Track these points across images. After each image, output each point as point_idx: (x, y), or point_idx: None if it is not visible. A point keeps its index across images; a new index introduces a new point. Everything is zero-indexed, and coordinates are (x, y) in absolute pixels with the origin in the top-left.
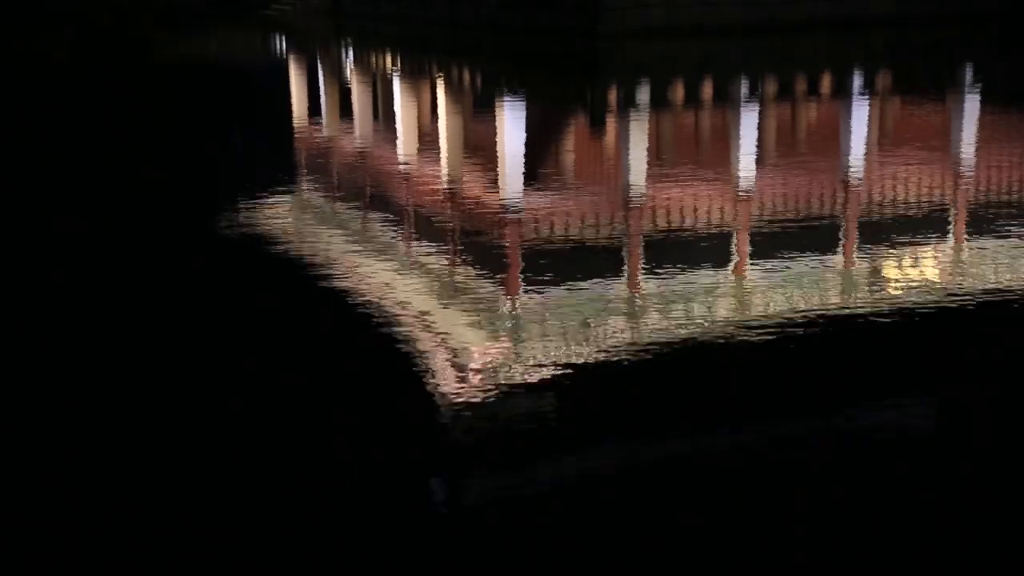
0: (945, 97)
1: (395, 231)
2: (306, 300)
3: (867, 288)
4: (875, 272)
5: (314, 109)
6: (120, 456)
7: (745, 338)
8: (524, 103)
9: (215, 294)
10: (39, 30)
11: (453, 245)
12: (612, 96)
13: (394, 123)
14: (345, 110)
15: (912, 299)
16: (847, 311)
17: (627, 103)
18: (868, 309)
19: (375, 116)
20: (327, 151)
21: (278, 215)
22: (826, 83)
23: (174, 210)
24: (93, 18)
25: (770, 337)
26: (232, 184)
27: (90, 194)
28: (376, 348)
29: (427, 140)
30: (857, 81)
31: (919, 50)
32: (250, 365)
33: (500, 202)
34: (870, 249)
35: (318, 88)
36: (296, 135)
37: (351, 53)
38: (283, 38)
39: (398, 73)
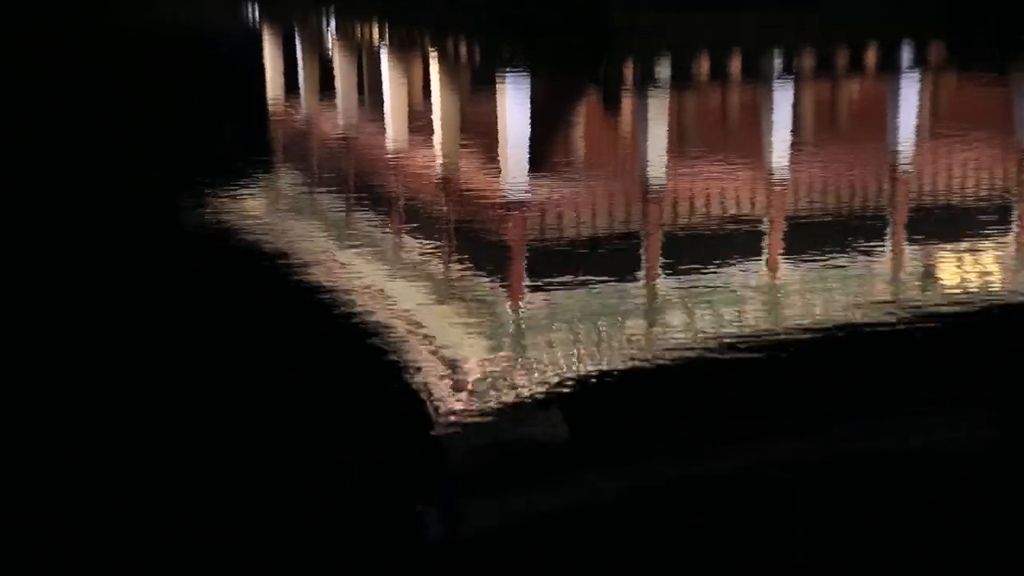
0: (1008, 72)
1: (383, 225)
2: (283, 304)
3: (916, 288)
4: (926, 270)
5: (291, 86)
6: (103, 456)
7: (779, 346)
8: (528, 80)
9: (179, 296)
10: None
11: (448, 241)
12: (628, 72)
13: (382, 103)
14: (326, 88)
15: (968, 300)
16: (893, 313)
17: (645, 80)
18: (916, 311)
19: (360, 94)
20: (306, 134)
21: (250, 207)
22: (870, 57)
23: (135, 200)
24: None
25: (807, 344)
26: (198, 171)
27: (45, 180)
28: (363, 357)
29: (419, 122)
30: (906, 54)
31: (972, 17)
32: (220, 380)
33: (502, 192)
34: (922, 243)
35: (295, 62)
36: (271, 116)
37: (333, 23)
38: (256, 5)
39: (386, 46)
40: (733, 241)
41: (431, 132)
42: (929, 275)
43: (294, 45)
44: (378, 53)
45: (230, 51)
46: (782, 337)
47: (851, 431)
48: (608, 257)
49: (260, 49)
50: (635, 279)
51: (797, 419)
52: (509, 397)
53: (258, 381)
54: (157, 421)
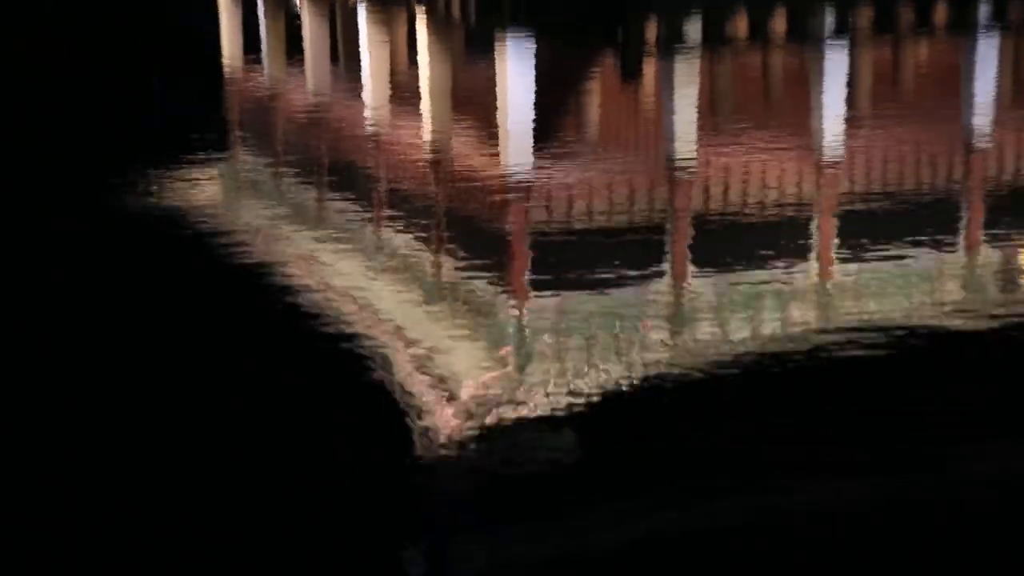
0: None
1: (362, 213)
2: (243, 306)
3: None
4: (1007, 266)
5: (251, 48)
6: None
7: (827, 356)
8: (533, 44)
9: (120, 292)
10: None
11: (438, 232)
12: (650, 34)
13: (359, 69)
14: (294, 51)
15: None
16: (966, 318)
17: (670, 42)
18: (995, 315)
19: (334, 59)
20: (270, 105)
21: (205, 190)
22: (939, 13)
23: (76, 181)
24: None
25: (861, 354)
26: (146, 147)
27: None
28: (339, 370)
29: (403, 92)
30: (982, 9)
31: None
32: (195, 388)
33: (502, 176)
34: (999, 235)
35: (257, 20)
36: (228, 83)
37: None
38: None
39: (364, 1)
40: (776, 232)
41: (418, 105)
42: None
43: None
44: (354, 10)
45: (180, 5)
46: (832, 348)
47: (915, 463)
48: (627, 251)
49: (215, 5)
50: (658, 277)
51: (850, 457)
52: (509, 413)
53: (226, 400)
54: (138, 420)
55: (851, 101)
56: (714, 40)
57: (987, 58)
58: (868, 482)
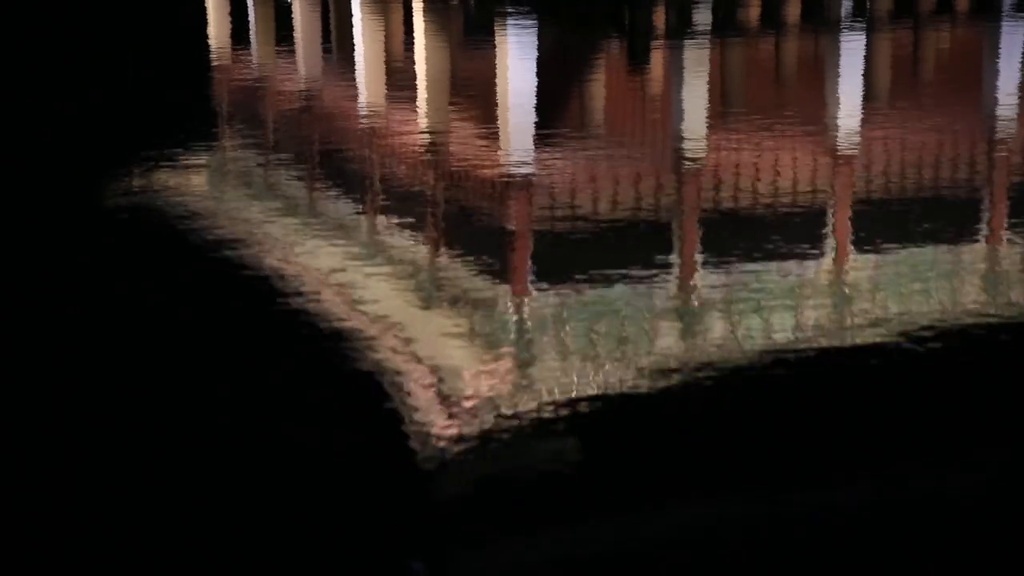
0: None
1: (354, 206)
2: (229, 304)
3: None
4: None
5: (239, 32)
6: None
7: (843, 358)
8: (535, 28)
9: (112, 290)
10: None
11: (435, 226)
12: (658, 17)
13: (352, 53)
14: (283, 34)
15: None
16: (975, 317)
17: (680, 27)
18: (1006, 314)
19: (325, 43)
20: (257, 92)
21: (188, 182)
22: None
23: (46, 175)
24: None
25: (879, 357)
26: (124, 136)
27: None
28: (329, 372)
29: (399, 78)
30: None
31: None
32: (174, 395)
33: (502, 167)
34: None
35: (244, 4)
36: (214, 69)
37: None
38: None
39: None
40: (789, 228)
41: (414, 92)
42: None
43: None
44: None
45: None
46: (849, 351)
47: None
48: (632, 247)
49: None
50: (665, 275)
51: (850, 457)
52: (508, 419)
53: (221, 400)
54: (131, 420)
55: (869, 90)
56: (726, 25)
57: (1013, 44)
58: (868, 482)
